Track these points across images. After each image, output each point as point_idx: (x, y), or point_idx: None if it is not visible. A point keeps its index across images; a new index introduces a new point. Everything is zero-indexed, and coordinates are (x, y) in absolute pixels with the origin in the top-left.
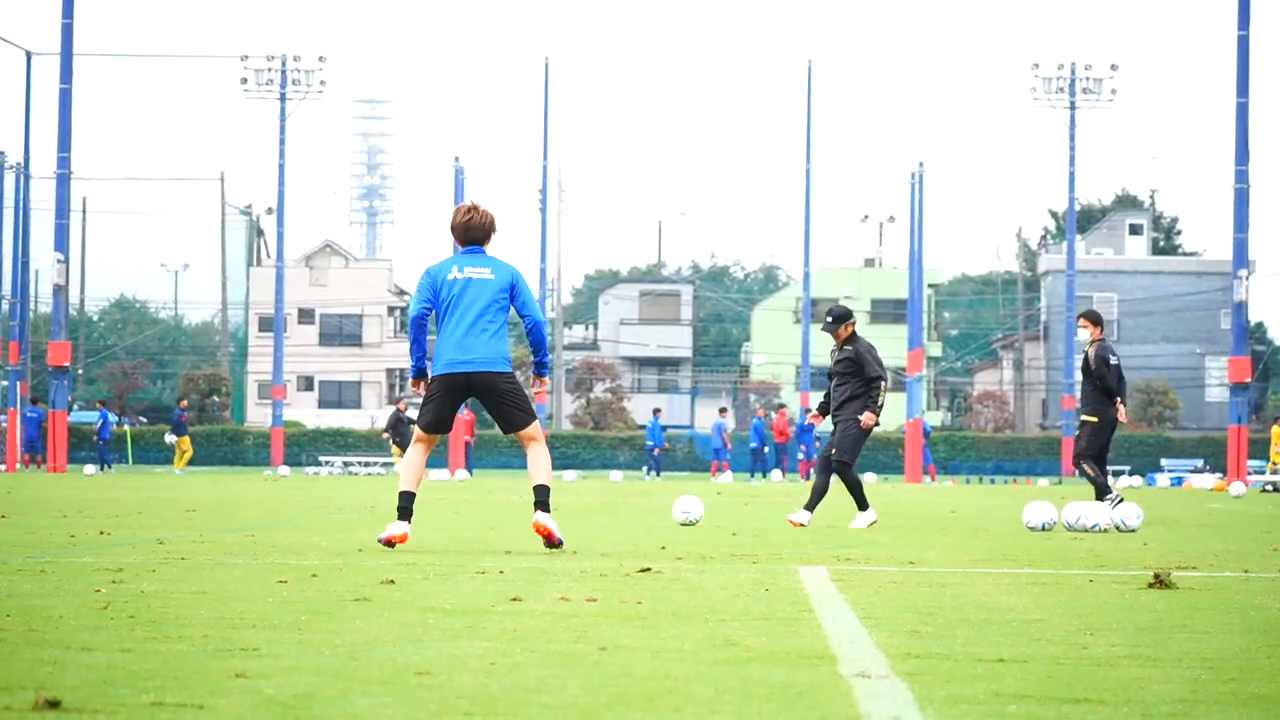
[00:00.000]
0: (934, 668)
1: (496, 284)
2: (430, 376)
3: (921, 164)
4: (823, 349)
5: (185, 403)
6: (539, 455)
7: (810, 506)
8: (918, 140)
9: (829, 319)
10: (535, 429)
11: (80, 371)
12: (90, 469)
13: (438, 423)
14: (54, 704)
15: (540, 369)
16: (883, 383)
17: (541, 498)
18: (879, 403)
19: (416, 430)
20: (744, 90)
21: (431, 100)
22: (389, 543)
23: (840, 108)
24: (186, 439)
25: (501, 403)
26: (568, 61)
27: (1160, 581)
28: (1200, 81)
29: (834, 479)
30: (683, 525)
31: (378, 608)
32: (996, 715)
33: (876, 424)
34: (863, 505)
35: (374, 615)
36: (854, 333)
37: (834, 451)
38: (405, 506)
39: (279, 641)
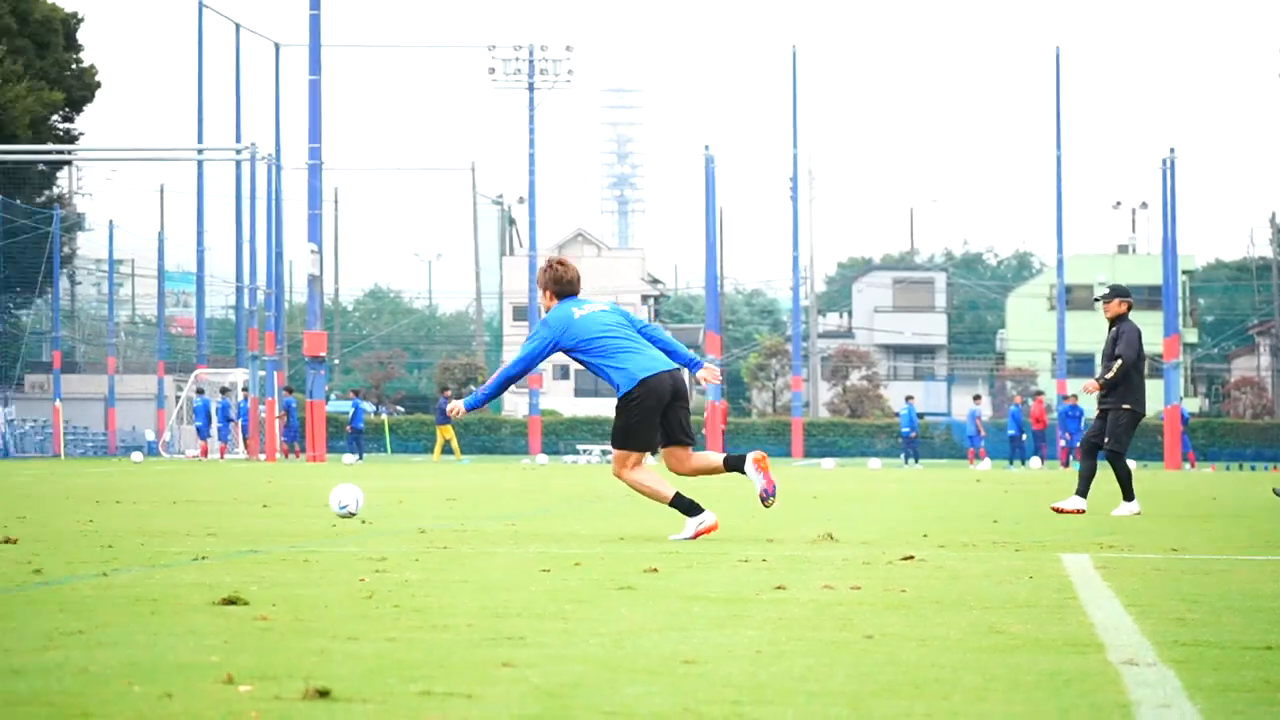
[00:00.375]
0: (1201, 655)
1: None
2: (630, 391)
3: (1173, 150)
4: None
5: (449, 392)
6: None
7: (1082, 492)
8: (1169, 125)
9: (1105, 291)
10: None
11: (336, 361)
12: (349, 458)
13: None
14: (323, 693)
15: (696, 365)
16: (1120, 362)
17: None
18: (1107, 377)
19: (635, 456)
20: (994, 76)
21: (680, 89)
22: (705, 533)
23: (1091, 93)
24: (449, 428)
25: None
26: (816, 49)
27: None
28: None
29: (1103, 465)
30: (341, 518)
31: (642, 596)
32: (1267, 704)
33: (1099, 392)
34: (1129, 495)
35: (638, 603)
36: (1124, 314)
37: (1106, 440)
38: (687, 502)
39: (544, 630)
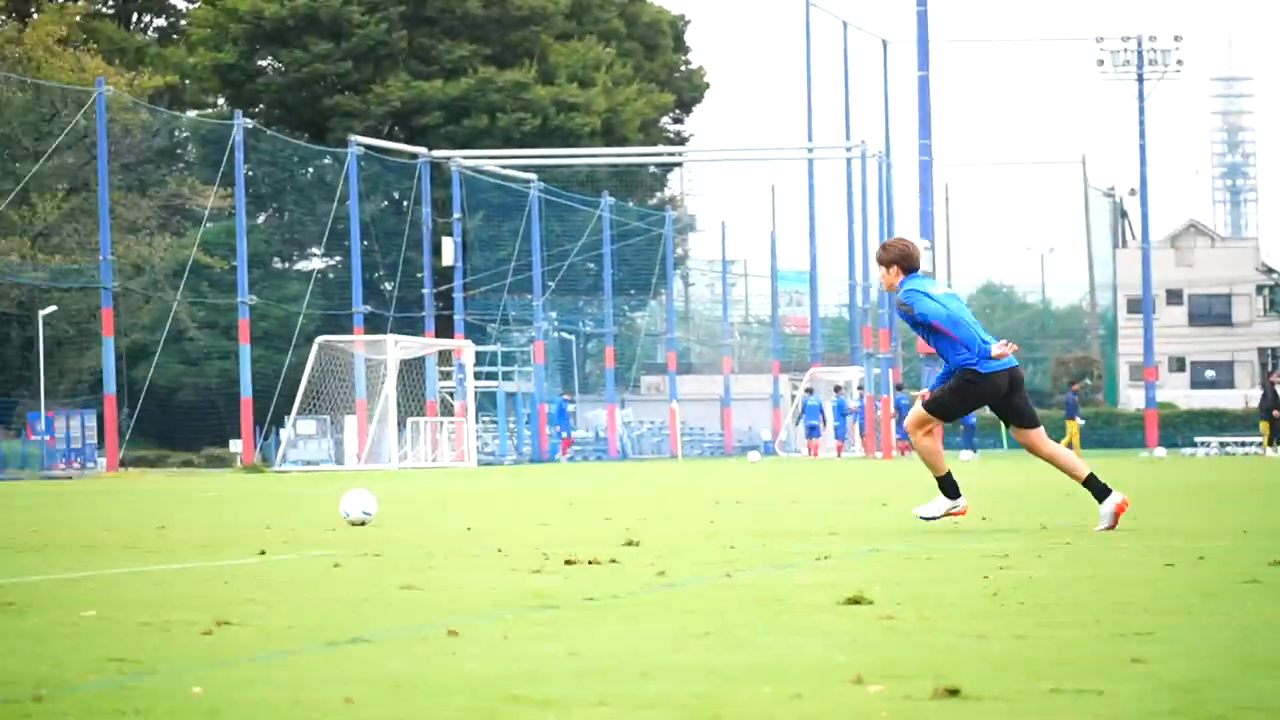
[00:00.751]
0: None
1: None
2: (975, 372)
3: None
4: None
5: (1078, 386)
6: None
7: None
8: None
9: None
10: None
11: None
12: (966, 455)
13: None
14: (953, 692)
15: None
16: None
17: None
18: None
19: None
20: None
21: None
22: (1119, 514)
23: None
24: (1075, 422)
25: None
26: None
27: None
28: None
29: None
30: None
31: (1269, 590)
32: None
33: None
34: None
35: (1266, 597)
36: None
37: None
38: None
39: (1171, 625)
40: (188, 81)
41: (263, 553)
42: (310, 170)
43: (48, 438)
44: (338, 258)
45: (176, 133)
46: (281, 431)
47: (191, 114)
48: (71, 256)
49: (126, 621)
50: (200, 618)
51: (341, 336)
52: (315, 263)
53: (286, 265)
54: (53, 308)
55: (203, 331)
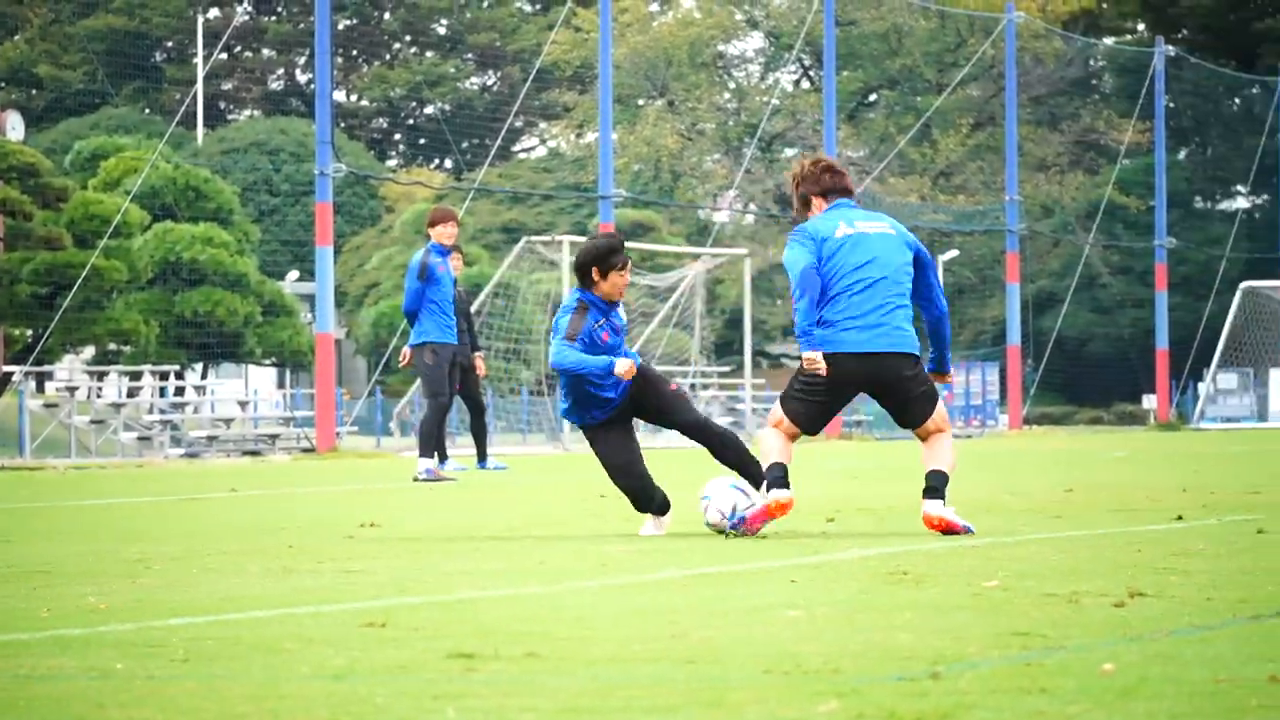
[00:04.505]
0: None
1: (899, 241)
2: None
3: None
4: None
5: None
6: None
7: None
8: None
9: None
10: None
11: None
12: None
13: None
14: None
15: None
16: None
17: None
18: None
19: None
20: None
21: None
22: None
23: None
24: None
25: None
26: None
27: None
28: None
29: None
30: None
31: None
32: None
33: None
34: None
35: None
36: None
37: None
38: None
39: None
40: (1105, 5)
41: (1179, 518)
42: (1237, 101)
43: (945, 393)
44: (1264, 196)
45: (1092, 62)
46: (1200, 385)
47: (1109, 41)
48: (975, 197)
49: (1031, 591)
50: (1111, 588)
51: (1268, 282)
52: (1240, 202)
53: (1209, 205)
54: (954, 252)
55: (1116, 277)
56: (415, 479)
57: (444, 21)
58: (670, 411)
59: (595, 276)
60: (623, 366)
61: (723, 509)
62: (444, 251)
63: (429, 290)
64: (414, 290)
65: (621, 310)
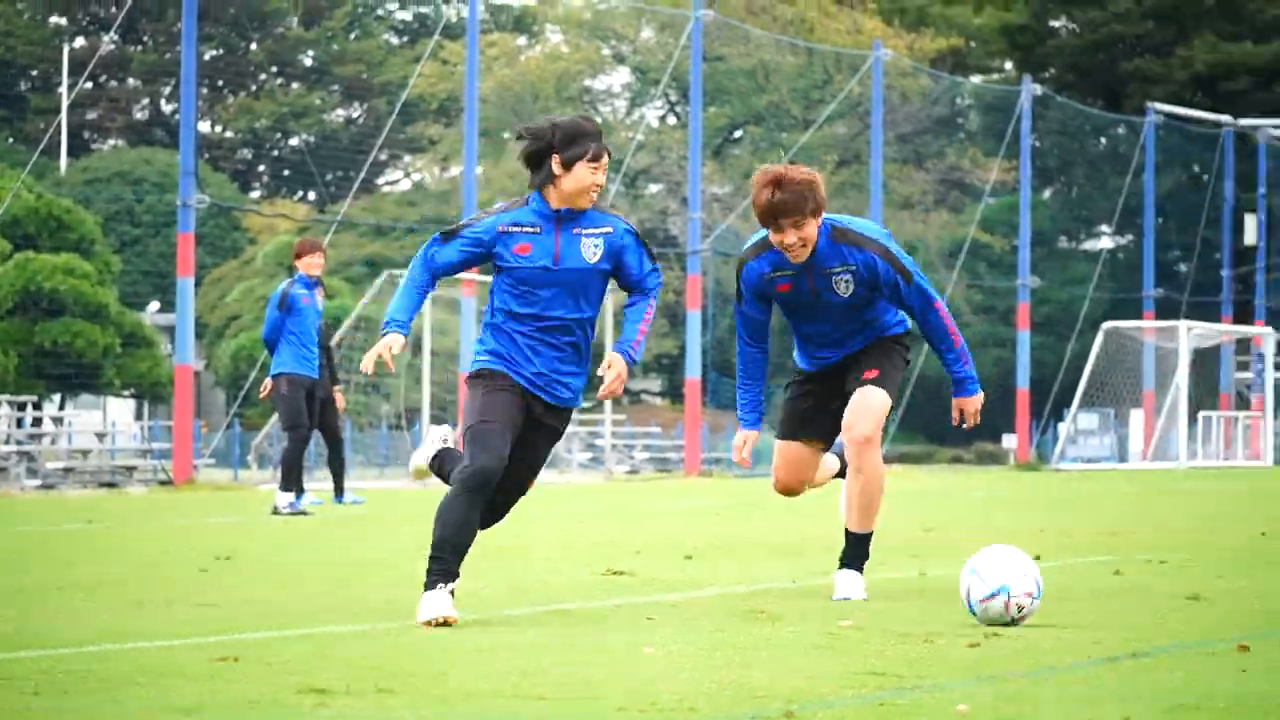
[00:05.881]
0: None
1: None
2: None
3: None
4: None
5: None
6: None
7: None
8: None
9: None
10: None
11: None
12: None
13: None
14: None
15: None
16: None
17: None
18: None
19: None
20: None
21: None
22: None
23: None
24: None
25: None
26: None
27: None
28: None
29: None
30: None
31: None
32: None
33: None
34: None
35: None
36: None
37: None
38: None
39: None
40: (972, 44)
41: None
42: (1103, 140)
43: None
44: (1129, 236)
45: (958, 100)
46: (1060, 426)
47: (976, 79)
48: None
49: (887, 631)
50: (966, 628)
51: (1130, 322)
52: (1104, 241)
53: (1073, 244)
54: None
55: (978, 316)
56: (275, 512)
57: (310, 53)
58: None
59: (555, 166)
60: (383, 344)
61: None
62: (310, 283)
63: (289, 321)
64: (273, 320)
65: (593, 243)
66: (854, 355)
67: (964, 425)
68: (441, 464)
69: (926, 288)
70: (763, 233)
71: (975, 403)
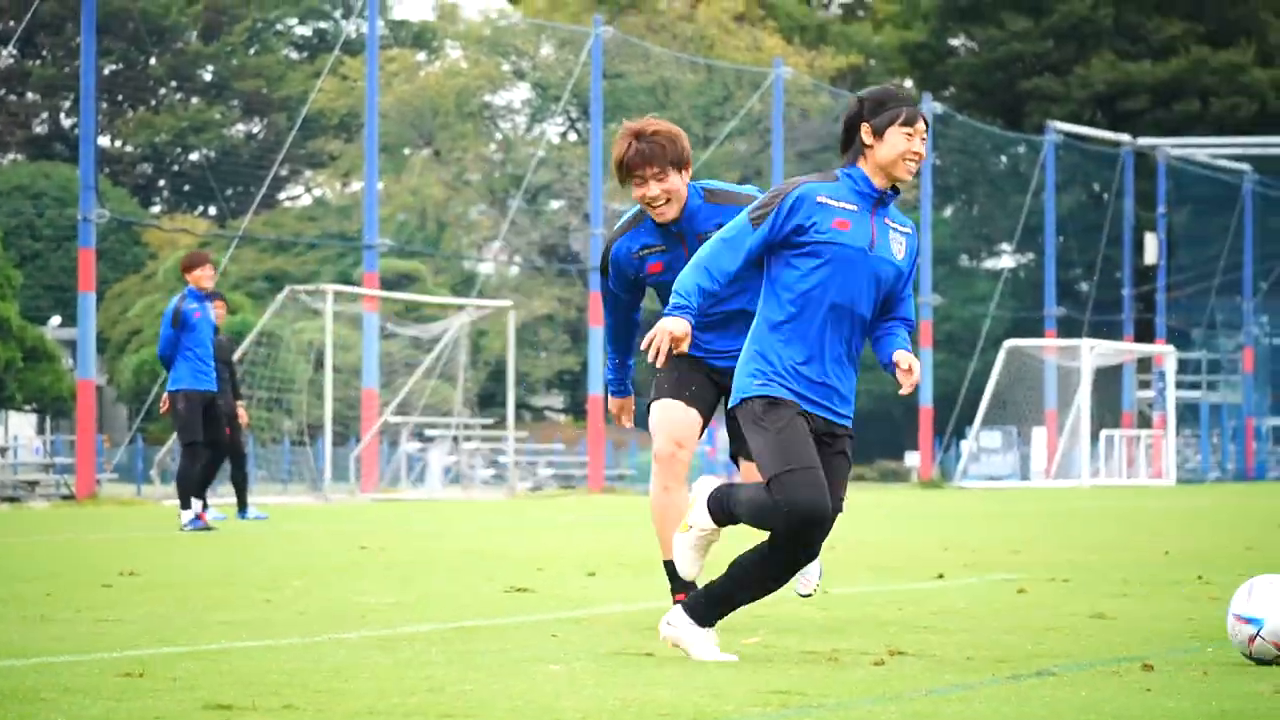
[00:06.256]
0: None
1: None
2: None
3: None
4: None
5: None
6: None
7: None
8: None
9: None
10: None
11: None
12: None
13: None
14: None
15: None
16: None
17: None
18: None
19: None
20: None
21: None
22: None
23: None
24: None
25: None
26: None
27: None
28: None
29: None
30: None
31: None
32: None
33: None
34: None
35: None
36: None
37: None
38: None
39: None
40: (873, 62)
41: (940, 576)
42: (1003, 159)
43: (708, 448)
44: (1030, 255)
45: None
46: (963, 444)
47: None
48: None
49: (792, 649)
50: (871, 646)
51: (1032, 341)
52: (1005, 260)
53: (975, 263)
54: None
55: None
56: (182, 529)
57: (210, 68)
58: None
59: (865, 135)
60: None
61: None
62: (201, 297)
63: (184, 336)
64: (166, 336)
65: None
66: None
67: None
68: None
69: None
70: (635, 208)
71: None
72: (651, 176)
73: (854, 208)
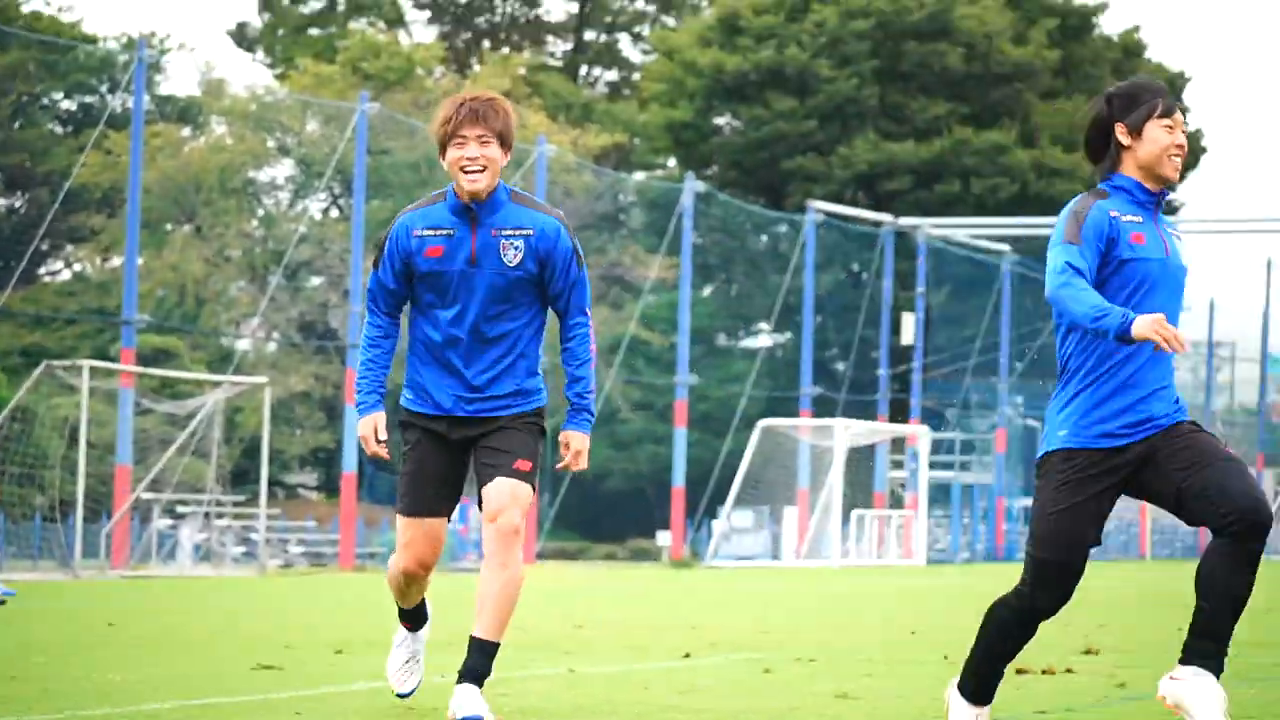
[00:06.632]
0: None
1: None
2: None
3: None
4: None
5: None
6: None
7: None
8: None
9: None
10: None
11: None
12: None
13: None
14: None
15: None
16: None
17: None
18: None
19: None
20: None
21: None
22: None
23: None
24: None
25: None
26: None
27: None
28: None
29: None
30: None
31: None
32: None
33: None
34: None
35: None
36: None
37: None
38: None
39: None
40: (637, 140)
41: (687, 655)
42: (763, 238)
43: (460, 527)
44: (787, 334)
45: (621, 196)
46: (715, 523)
47: (639, 175)
48: None
49: None
50: None
51: (786, 420)
52: (763, 339)
53: (732, 342)
54: None
55: (636, 413)
56: None
57: None
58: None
59: (1121, 136)
60: (1143, 324)
61: None
62: None
63: None
64: None
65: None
66: (497, 433)
67: (569, 470)
68: None
69: (589, 286)
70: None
71: (587, 441)
72: (475, 138)
73: (1139, 219)
